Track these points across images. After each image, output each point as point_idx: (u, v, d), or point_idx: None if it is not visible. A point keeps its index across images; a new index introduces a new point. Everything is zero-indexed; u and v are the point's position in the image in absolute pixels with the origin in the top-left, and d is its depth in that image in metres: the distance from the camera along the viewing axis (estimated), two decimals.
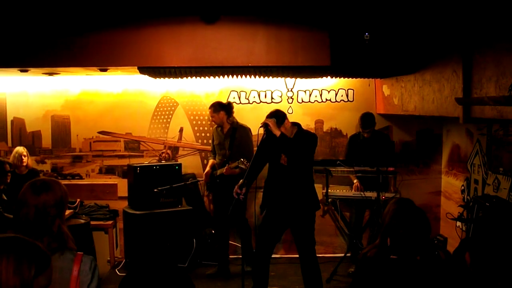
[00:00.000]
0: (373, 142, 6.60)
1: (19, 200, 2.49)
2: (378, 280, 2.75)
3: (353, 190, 6.65)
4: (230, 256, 7.19)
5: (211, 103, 6.49)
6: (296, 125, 5.27)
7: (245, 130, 6.46)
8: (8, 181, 5.77)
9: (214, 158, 6.68)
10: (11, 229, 2.47)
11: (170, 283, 1.75)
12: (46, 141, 7.51)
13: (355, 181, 6.66)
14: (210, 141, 6.95)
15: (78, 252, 2.49)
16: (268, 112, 5.24)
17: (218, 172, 6.39)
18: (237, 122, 6.50)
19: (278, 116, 5.09)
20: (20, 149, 6.72)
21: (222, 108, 6.36)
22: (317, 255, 5.34)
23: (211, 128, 7.38)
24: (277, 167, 5.21)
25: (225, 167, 6.18)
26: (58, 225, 2.49)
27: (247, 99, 7.37)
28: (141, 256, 6.37)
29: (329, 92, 7.37)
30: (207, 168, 6.65)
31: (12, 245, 1.93)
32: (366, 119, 6.54)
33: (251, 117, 7.07)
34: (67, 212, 6.51)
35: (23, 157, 6.65)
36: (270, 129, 4.96)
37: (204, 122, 7.42)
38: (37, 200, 2.45)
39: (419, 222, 2.74)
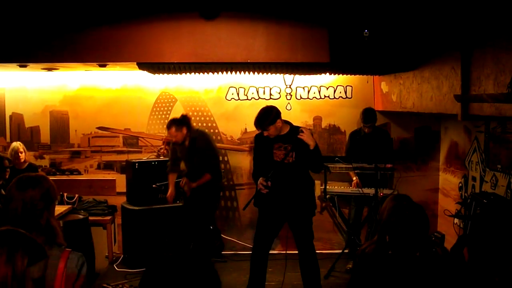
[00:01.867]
0: (374, 138, 6.63)
1: (7, 196, 2.50)
2: (376, 276, 2.77)
3: (352, 187, 6.68)
4: (229, 252, 7.24)
5: (169, 121, 6.19)
6: (287, 123, 5.29)
7: (203, 136, 6.20)
8: (7, 176, 5.78)
9: (174, 171, 6.45)
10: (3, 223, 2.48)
11: (194, 272, 1.75)
12: (45, 136, 7.51)
13: (354, 178, 6.68)
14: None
15: (66, 249, 2.48)
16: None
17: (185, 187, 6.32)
18: (195, 130, 6.23)
19: (267, 119, 5.09)
20: (16, 145, 6.70)
21: (184, 124, 6.04)
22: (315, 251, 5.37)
23: (209, 124, 7.40)
24: (280, 165, 5.17)
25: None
26: (46, 218, 2.49)
27: (246, 95, 7.38)
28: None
29: (327, 88, 7.38)
30: (170, 188, 6.41)
31: (7, 237, 1.95)
32: (368, 113, 6.56)
33: (250, 113, 7.05)
34: (66, 207, 6.52)
35: (19, 154, 6.63)
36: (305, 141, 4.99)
37: (203, 118, 7.42)
38: (23, 195, 2.46)
39: (417, 218, 2.75)
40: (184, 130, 5.92)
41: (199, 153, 6.03)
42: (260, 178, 5.08)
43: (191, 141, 6.09)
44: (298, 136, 4.98)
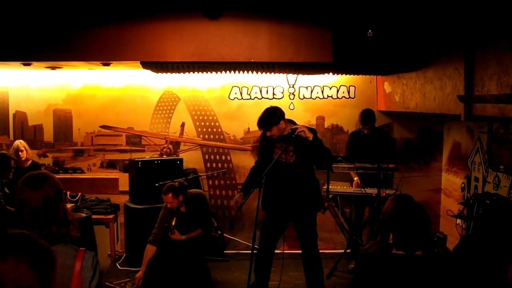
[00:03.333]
0: (374, 139, 6.62)
1: (20, 198, 2.50)
2: (379, 276, 2.77)
3: (353, 187, 6.67)
4: (231, 251, 7.25)
5: (166, 187, 5.81)
6: (291, 122, 5.28)
7: (200, 199, 6.00)
8: (11, 176, 5.80)
9: (155, 244, 5.87)
10: (13, 223, 2.49)
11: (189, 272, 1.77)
12: (48, 134, 7.53)
13: (355, 178, 6.67)
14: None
15: (80, 248, 2.51)
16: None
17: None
18: (192, 194, 5.98)
19: (271, 119, 5.10)
20: (17, 143, 6.73)
21: (181, 192, 5.83)
22: None
23: (212, 124, 7.41)
24: (281, 165, 5.19)
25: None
26: (63, 210, 2.52)
27: (249, 94, 7.38)
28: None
29: (330, 88, 7.39)
30: (142, 269, 5.70)
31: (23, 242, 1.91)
32: (366, 115, 6.55)
33: (253, 113, 7.10)
34: (68, 205, 6.53)
35: (20, 152, 6.63)
36: (305, 136, 4.99)
37: (205, 118, 7.43)
38: (42, 192, 2.48)
39: (419, 218, 2.76)
40: (181, 198, 5.78)
41: (197, 215, 5.93)
42: (238, 195, 5.32)
43: (189, 205, 5.92)
44: (297, 133, 4.95)
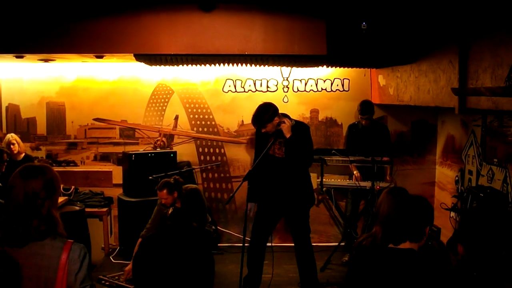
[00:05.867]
0: (372, 131, 6.65)
1: (10, 185, 2.51)
2: (373, 268, 2.77)
3: (353, 181, 6.66)
4: (225, 244, 7.24)
5: (161, 183, 5.74)
6: (285, 116, 5.26)
7: (195, 195, 5.95)
8: (4, 169, 5.78)
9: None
10: (3, 213, 2.49)
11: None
12: (41, 127, 7.49)
13: (355, 172, 6.67)
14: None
15: (68, 240, 2.50)
16: (262, 102, 5.26)
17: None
18: (188, 190, 5.94)
19: (265, 117, 5.08)
20: (8, 137, 6.70)
21: (176, 188, 5.76)
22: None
23: (206, 117, 7.39)
24: (274, 160, 5.20)
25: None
26: (47, 208, 2.49)
27: (243, 87, 7.36)
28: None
29: (324, 81, 7.37)
30: (130, 264, 5.76)
31: None
32: (365, 105, 6.56)
33: (247, 106, 7.09)
34: (62, 199, 6.52)
35: (11, 146, 6.59)
36: (283, 132, 5.04)
37: (199, 110, 7.41)
38: (26, 184, 2.47)
39: (417, 211, 2.75)
40: (175, 194, 5.73)
41: (192, 210, 5.92)
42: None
43: (185, 200, 5.80)
44: (279, 128, 5.05)
